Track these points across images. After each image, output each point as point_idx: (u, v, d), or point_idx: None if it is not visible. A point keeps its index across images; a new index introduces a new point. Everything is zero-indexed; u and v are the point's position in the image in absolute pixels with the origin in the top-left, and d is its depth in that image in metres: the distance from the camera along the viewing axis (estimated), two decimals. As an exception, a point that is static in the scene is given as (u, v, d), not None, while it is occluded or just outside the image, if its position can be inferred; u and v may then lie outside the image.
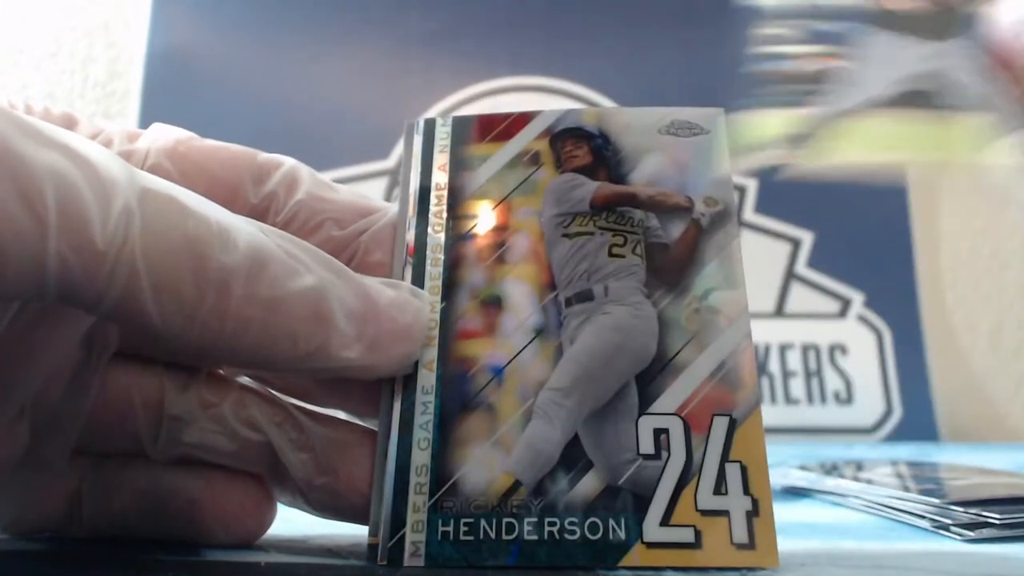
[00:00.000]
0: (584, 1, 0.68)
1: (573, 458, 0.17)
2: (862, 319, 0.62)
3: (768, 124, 0.52)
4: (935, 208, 0.66)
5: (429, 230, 0.19)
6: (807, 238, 0.63)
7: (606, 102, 0.66)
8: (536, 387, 0.17)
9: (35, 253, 0.12)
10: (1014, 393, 0.64)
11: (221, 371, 0.18)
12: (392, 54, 0.67)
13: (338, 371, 0.16)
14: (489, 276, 0.19)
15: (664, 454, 0.17)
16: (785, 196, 0.63)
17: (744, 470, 0.16)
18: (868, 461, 0.36)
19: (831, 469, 0.31)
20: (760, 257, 0.63)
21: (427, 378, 0.18)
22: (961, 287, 0.65)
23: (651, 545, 0.16)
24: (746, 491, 0.16)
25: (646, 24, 0.67)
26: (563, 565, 0.16)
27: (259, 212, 0.18)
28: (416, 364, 0.18)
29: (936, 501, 0.22)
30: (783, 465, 0.34)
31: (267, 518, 0.18)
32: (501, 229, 0.19)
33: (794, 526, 0.23)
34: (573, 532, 0.16)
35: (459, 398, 0.17)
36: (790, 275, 0.63)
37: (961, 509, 0.21)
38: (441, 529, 0.16)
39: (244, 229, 0.15)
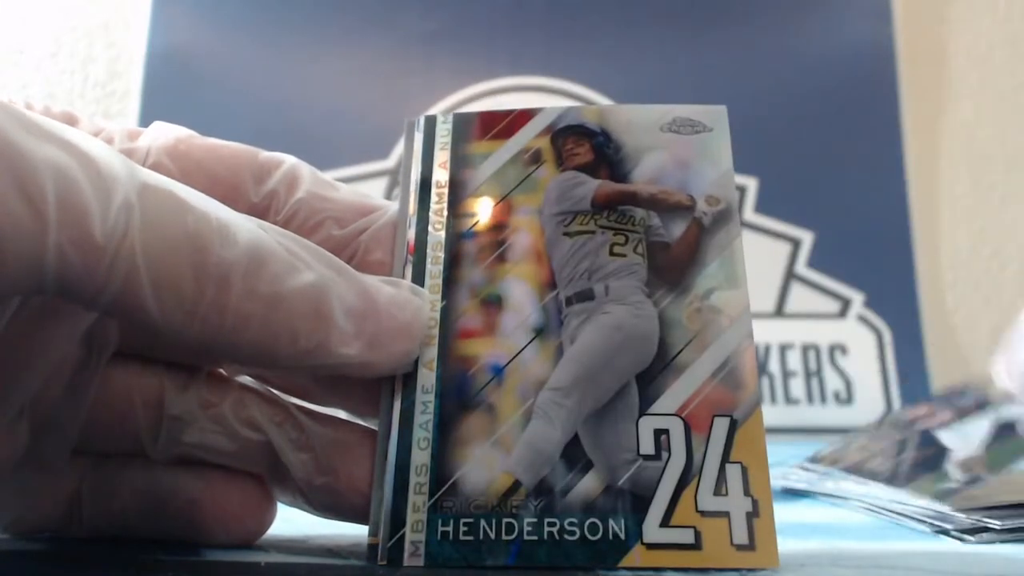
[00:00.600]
0: (584, 1, 0.68)
1: (573, 458, 0.17)
2: (862, 319, 0.62)
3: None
4: (935, 208, 0.66)
5: (430, 228, 0.19)
6: (807, 238, 0.63)
7: (606, 102, 0.66)
8: (536, 387, 0.17)
9: (34, 247, 0.12)
10: (1014, 393, 0.64)
11: (221, 371, 0.18)
12: (392, 54, 0.67)
13: (338, 368, 0.16)
14: (489, 275, 0.19)
15: (664, 454, 0.16)
16: (785, 196, 0.63)
17: (745, 471, 0.16)
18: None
19: (835, 460, 0.31)
20: (760, 257, 0.63)
21: (427, 377, 0.18)
22: (961, 287, 0.65)
23: (651, 546, 0.16)
24: (747, 492, 0.16)
25: (646, 24, 0.67)
26: (563, 565, 0.16)
27: (260, 210, 0.18)
28: (416, 363, 0.18)
29: (937, 506, 0.22)
30: (783, 465, 0.34)
31: (267, 518, 0.18)
32: (502, 227, 0.19)
33: (794, 526, 0.23)
34: (573, 532, 0.16)
35: (459, 397, 0.17)
36: (790, 275, 0.63)
37: (963, 515, 0.21)
38: (441, 529, 0.16)
39: (244, 225, 0.15)
